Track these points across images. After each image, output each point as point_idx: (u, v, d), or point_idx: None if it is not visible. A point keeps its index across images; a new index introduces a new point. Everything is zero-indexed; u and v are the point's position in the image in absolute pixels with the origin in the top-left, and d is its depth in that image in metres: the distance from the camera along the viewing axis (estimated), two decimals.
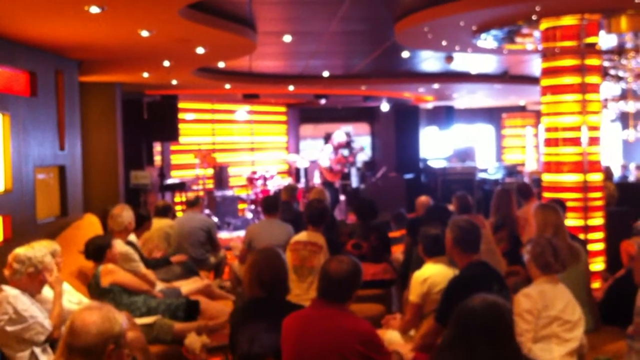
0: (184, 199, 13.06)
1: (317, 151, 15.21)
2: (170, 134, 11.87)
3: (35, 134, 6.55)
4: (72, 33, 6.09)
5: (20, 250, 4.38)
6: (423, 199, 7.57)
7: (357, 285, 3.52)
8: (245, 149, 16.33)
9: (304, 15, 7.44)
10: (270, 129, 17.08)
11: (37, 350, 4.16)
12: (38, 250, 4.44)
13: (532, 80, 12.52)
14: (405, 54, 9.92)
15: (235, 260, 7.52)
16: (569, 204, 6.67)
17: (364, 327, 3.40)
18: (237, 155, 16.10)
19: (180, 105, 13.06)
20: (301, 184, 14.03)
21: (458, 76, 12.73)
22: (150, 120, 11.41)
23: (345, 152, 14.41)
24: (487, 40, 7.71)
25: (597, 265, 6.98)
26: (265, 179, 13.67)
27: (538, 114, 16.77)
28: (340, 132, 14.05)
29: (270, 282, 3.70)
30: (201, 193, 13.46)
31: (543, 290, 3.89)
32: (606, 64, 7.86)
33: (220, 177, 14.51)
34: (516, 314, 3.78)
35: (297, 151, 17.08)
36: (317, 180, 13.96)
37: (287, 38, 8.21)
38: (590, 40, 6.91)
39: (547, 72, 7.13)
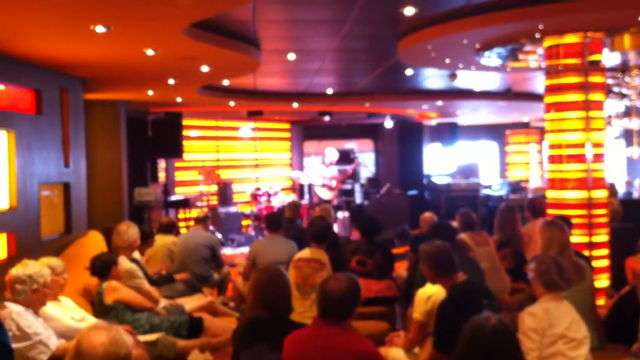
0: (188, 216, 13.08)
1: (312, 170, 15.22)
2: (174, 150, 11.90)
3: (40, 152, 6.57)
4: (77, 52, 6.13)
5: (18, 270, 4.36)
6: (427, 215, 7.55)
7: (357, 302, 3.49)
8: (249, 165, 16.36)
9: (307, 34, 7.48)
10: (274, 146, 17.12)
11: None
12: (34, 265, 4.45)
13: (536, 97, 12.56)
14: (408, 72, 9.96)
15: (239, 277, 7.51)
16: (574, 220, 6.66)
17: (365, 346, 3.38)
18: (241, 171, 16.13)
19: (185, 122, 13.09)
20: (305, 201, 14.03)
21: (462, 93, 12.76)
22: (155, 138, 11.45)
23: (348, 167, 14.43)
24: (491, 57, 7.74)
25: (602, 282, 6.96)
26: (269, 195, 13.67)
27: (542, 131, 16.77)
28: (331, 150, 14.04)
29: (273, 302, 3.67)
30: (205, 209, 13.47)
31: (548, 309, 3.87)
32: (610, 81, 7.88)
33: (224, 193, 14.52)
34: (521, 333, 3.77)
35: (301, 168, 17.11)
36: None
37: (291, 56, 8.25)
38: (593, 58, 6.93)
39: (551, 90, 7.15)
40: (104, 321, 3.06)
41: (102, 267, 5.40)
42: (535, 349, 3.76)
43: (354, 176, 15.42)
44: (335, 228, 10.41)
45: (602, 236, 7.02)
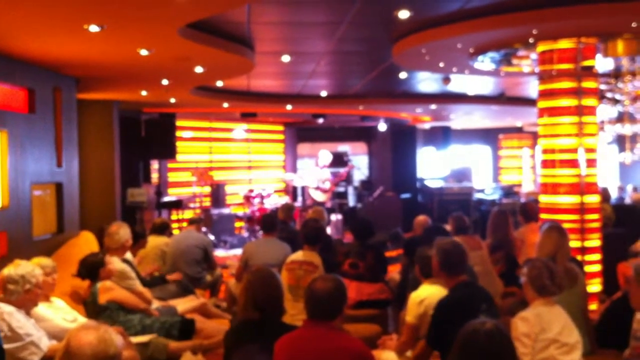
0: (180, 217, 13.05)
1: (306, 172, 15.19)
2: (167, 151, 11.87)
3: (32, 151, 6.55)
4: (71, 51, 6.11)
5: (10, 270, 4.35)
6: (421, 218, 7.56)
7: (345, 301, 3.51)
8: (243, 167, 16.34)
9: (302, 36, 7.48)
10: (267, 148, 17.11)
11: None
12: (26, 265, 4.43)
13: (529, 102, 12.60)
14: (402, 75, 9.97)
15: (232, 278, 7.49)
16: (566, 225, 6.66)
17: (357, 346, 3.38)
18: (234, 173, 16.11)
19: (178, 123, 13.07)
20: (298, 203, 14.02)
21: (455, 97, 12.79)
22: (148, 138, 11.42)
23: (342, 169, 14.42)
24: (484, 62, 7.75)
25: (594, 287, 6.97)
26: (262, 197, 13.66)
27: (535, 135, 16.82)
28: (325, 152, 14.01)
29: (265, 304, 3.67)
30: (198, 211, 13.44)
31: (540, 313, 3.88)
32: (603, 87, 7.90)
33: (217, 195, 14.50)
34: (514, 338, 3.76)
35: (294, 170, 17.10)
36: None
37: (286, 58, 8.25)
38: (587, 63, 6.95)
39: (544, 94, 7.16)
40: (93, 321, 3.05)
41: (90, 270, 5.36)
42: (528, 354, 3.76)
43: (348, 179, 15.42)
44: (328, 230, 10.40)
45: (595, 241, 7.03)
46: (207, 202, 14.50)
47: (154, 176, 13.07)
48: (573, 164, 6.96)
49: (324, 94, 12.29)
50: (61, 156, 7.24)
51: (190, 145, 15.02)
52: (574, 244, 6.84)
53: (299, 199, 14.63)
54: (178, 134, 12.83)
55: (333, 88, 11.96)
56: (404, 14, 6.05)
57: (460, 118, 17.00)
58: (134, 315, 5.34)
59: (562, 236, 5.13)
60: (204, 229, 12.06)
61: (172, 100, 10.96)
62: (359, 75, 10.39)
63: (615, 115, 8.91)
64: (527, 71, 8.22)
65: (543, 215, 7.14)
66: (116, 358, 2.52)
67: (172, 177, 14.63)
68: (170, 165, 14.35)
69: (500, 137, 20.47)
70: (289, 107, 12.95)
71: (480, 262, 6.19)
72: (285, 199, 14.75)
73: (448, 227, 6.87)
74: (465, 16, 6.30)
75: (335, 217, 13.34)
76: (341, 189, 15.24)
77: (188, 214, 12.49)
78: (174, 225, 12.55)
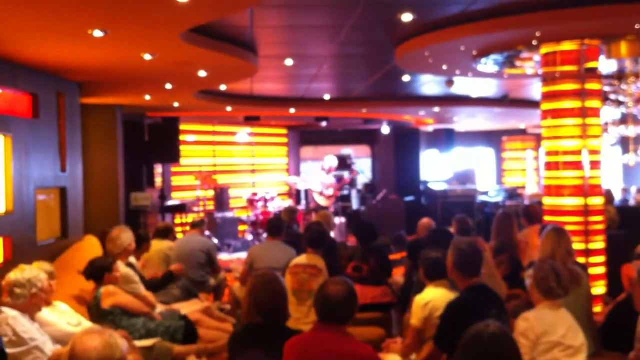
0: (184, 221, 13.06)
1: (311, 176, 15.18)
2: (171, 155, 11.89)
3: (36, 156, 6.56)
4: (74, 56, 6.13)
5: (17, 275, 4.35)
6: (425, 221, 7.55)
7: (357, 305, 3.50)
8: (246, 170, 16.36)
9: (305, 40, 7.49)
10: (271, 151, 17.12)
11: None
12: (31, 270, 4.44)
13: (533, 104, 12.58)
14: (406, 78, 9.97)
15: (235, 282, 7.49)
16: (570, 227, 6.65)
17: (366, 352, 3.38)
18: (238, 177, 16.12)
19: (182, 127, 13.10)
20: (302, 206, 14.02)
21: (458, 100, 12.79)
22: (152, 142, 11.44)
23: (346, 173, 14.41)
24: (488, 64, 7.75)
25: (598, 289, 6.96)
26: (265, 200, 13.67)
27: (538, 138, 16.81)
28: (331, 157, 14.00)
29: (269, 309, 3.64)
30: (201, 215, 13.45)
31: (542, 315, 3.87)
32: (606, 88, 7.89)
33: (221, 198, 14.51)
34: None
35: (297, 173, 17.10)
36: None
37: (289, 61, 8.25)
38: (590, 65, 6.94)
39: (548, 97, 7.16)
40: (98, 325, 3.05)
41: (97, 272, 5.37)
42: (525, 354, 3.74)
43: (351, 182, 15.42)
44: (333, 234, 10.40)
45: (599, 243, 7.02)
46: (210, 206, 14.50)
47: (158, 180, 13.07)
48: (577, 166, 6.96)
49: (327, 97, 12.30)
50: (65, 161, 7.26)
51: (193, 149, 15.04)
52: (578, 246, 6.83)
53: (303, 202, 14.63)
54: (182, 138, 12.85)
55: (336, 91, 11.97)
56: (407, 17, 6.05)
57: (464, 120, 16.99)
58: (138, 319, 5.34)
59: (561, 236, 5.11)
60: (207, 232, 12.09)
61: (176, 105, 10.97)
62: (362, 78, 10.40)
63: (619, 117, 8.88)
64: (530, 73, 8.22)
65: (547, 218, 7.13)
66: None
67: (175, 181, 14.65)
68: (174, 169, 14.37)
69: (503, 140, 20.45)
70: (292, 110, 12.96)
71: (484, 264, 6.15)
72: (288, 202, 14.75)
73: (452, 230, 6.86)
74: (468, 19, 6.30)
75: (339, 220, 13.33)
76: (345, 192, 15.24)
77: (192, 218, 12.51)
78: (178, 229, 12.57)
